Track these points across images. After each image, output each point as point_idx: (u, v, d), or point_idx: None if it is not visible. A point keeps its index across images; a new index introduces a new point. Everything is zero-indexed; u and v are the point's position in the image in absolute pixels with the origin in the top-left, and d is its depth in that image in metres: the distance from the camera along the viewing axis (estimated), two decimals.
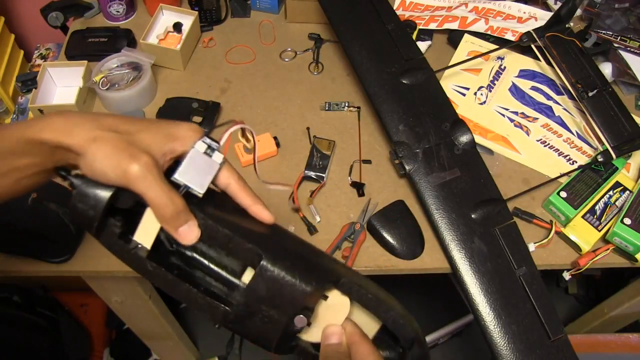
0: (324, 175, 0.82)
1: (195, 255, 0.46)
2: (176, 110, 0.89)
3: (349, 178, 0.83)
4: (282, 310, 0.40)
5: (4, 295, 1.18)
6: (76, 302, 1.34)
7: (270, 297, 0.40)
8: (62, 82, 0.93)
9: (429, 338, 1.37)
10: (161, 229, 0.41)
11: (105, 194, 0.39)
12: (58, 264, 0.73)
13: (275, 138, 0.85)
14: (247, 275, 0.43)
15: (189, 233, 0.40)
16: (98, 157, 0.37)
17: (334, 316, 0.44)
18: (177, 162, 0.42)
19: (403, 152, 0.79)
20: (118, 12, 1.01)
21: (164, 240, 0.44)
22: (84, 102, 0.89)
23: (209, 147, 0.42)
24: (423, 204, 0.77)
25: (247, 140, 0.66)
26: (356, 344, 0.43)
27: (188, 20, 0.97)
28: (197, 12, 0.98)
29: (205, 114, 0.88)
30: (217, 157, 0.43)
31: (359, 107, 0.92)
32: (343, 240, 0.76)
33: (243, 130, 0.47)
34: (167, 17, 0.99)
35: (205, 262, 0.45)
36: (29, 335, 1.17)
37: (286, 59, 0.99)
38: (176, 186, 0.40)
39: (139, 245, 0.42)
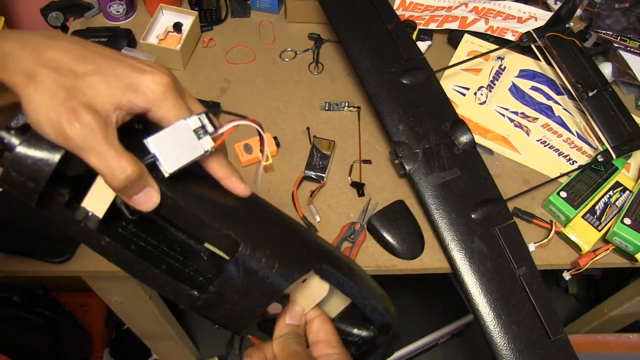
0: (324, 175, 0.82)
1: (161, 223, 0.39)
2: None
3: (349, 178, 0.83)
4: (258, 301, 0.37)
5: (4, 295, 1.18)
6: (76, 302, 1.34)
7: (246, 288, 0.36)
8: None
9: (429, 338, 1.37)
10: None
11: (49, 161, 0.31)
12: (58, 264, 0.73)
13: (275, 138, 0.85)
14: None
15: (145, 201, 0.35)
16: (33, 104, 0.31)
17: (310, 298, 0.42)
18: (156, 125, 0.35)
19: (403, 152, 0.79)
20: (118, 12, 1.01)
21: (121, 207, 0.38)
22: None
23: (203, 128, 0.35)
24: (423, 204, 0.77)
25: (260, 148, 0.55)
26: (319, 321, 0.43)
27: (188, 20, 0.97)
28: (197, 12, 0.98)
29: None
30: (206, 142, 0.35)
31: (359, 107, 0.92)
32: (343, 240, 0.76)
33: (260, 135, 0.42)
34: (167, 17, 0.99)
35: (174, 231, 0.40)
36: (29, 335, 1.17)
37: (286, 59, 0.99)
38: (143, 151, 0.34)
39: (89, 214, 0.36)
